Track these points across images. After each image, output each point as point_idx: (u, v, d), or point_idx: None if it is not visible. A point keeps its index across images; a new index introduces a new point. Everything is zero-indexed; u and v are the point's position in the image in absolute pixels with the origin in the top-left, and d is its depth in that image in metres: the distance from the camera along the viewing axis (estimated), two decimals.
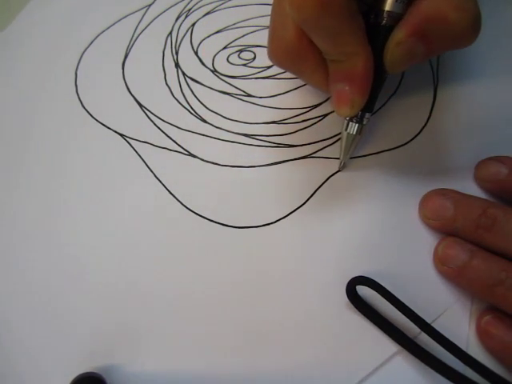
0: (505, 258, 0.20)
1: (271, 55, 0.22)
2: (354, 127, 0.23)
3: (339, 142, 0.25)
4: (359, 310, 0.21)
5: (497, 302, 0.20)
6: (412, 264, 0.22)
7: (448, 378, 0.19)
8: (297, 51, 0.21)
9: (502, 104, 0.26)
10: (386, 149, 0.25)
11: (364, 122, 0.23)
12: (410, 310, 0.20)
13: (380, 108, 0.27)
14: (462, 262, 0.21)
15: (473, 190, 0.23)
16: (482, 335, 0.20)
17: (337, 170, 0.25)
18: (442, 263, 0.22)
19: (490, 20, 0.30)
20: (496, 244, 0.20)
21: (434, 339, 0.20)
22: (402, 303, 0.20)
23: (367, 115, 0.23)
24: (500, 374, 0.19)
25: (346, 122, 0.23)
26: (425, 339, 0.20)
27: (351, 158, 0.25)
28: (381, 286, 0.21)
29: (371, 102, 0.22)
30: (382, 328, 0.21)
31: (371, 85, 0.21)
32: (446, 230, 0.22)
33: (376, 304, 0.21)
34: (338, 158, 0.25)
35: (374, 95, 0.22)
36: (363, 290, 0.21)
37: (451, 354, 0.19)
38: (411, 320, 0.20)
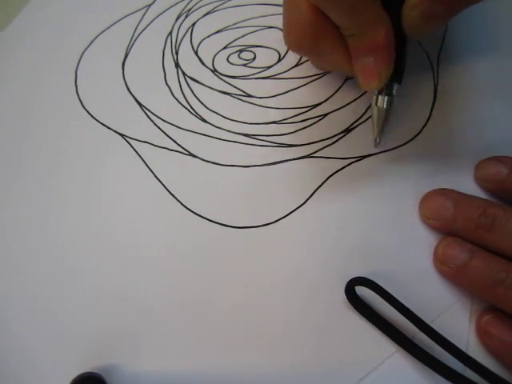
0: (505, 258, 0.20)
1: (288, 39, 0.22)
2: (384, 100, 0.23)
3: (370, 119, 0.25)
4: (358, 311, 0.21)
5: (497, 301, 0.20)
6: (412, 264, 0.22)
7: (446, 377, 0.19)
8: (314, 31, 0.21)
9: (503, 104, 0.26)
10: (386, 149, 0.25)
11: (394, 94, 0.23)
12: (409, 310, 0.20)
13: None
14: (462, 262, 0.21)
15: (473, 189, 0.23)
16: (482, 335, 0.20)
17: (339, 168, 0.25)
18: (441, 263, 0.21)
19: (489, 21, 0.30)
20: (496, 244, 0.20)
21: (432, 339, 0.20)
22: (401, 304, 0.20)
23: (396, 86, 0.22)
24: (499, 374, 0.19)
25: (374, 96, 0.23)
26: (423, 339, 0.20)
27: (352, 162, 0.25)
28: (380, 286, 0.21)
29: (399, 72, 0.22)
30: (381, 328, 0.21)
31: (395, 54, 0.20)
32: (446, 230, 0.22)
33: (375, 304, 0.21)
34: (338, 158, 0.25)
35: (401, 64, 0.22)
36: (363, 290, 0.21)
37: (450, 354, 0.19)
38: (410, 320, 0.20)
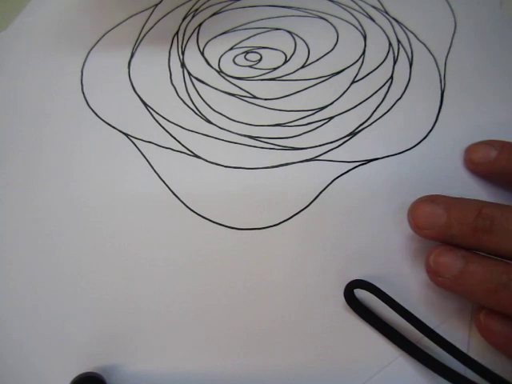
0: (503, 260, 0.19)
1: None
2: None
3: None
4: (357, 313, 0.21)
5: (503, 307, 0.19)
6: (413, 267, 0.22)
7: (450, 380, 0.19)
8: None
9: (510, 108, 0.26)
10: (392, 153, 0.25)
11: None
12: (409, 312, 0.20)
13: (386, 112, 0.27)
14: (457, 270, 0.19)
15: (479, 194, 0.23)
16: (483, 331, 0.20)
17: (344, 171, 0.25)
18: (436, 275, 0.20)
19: (497, 25, 0.30)
20: (498, 245, 0.19)
21: (434, 342, 0.19)
22: (401, 306, 0.20)
23: None
24: (502, 376, 0.18)
25: None
26: (424, 341, 0.20)
27: (356, 166, 0.25)
28: (378, 288, 0.21)
29: None
30: (379, 330, 0.21)
31: None
32: (441, 239, 0.21)
33: (376, 307, 0.21)
34: (343, 162, 0.25)
35: None
36: (364, 294, 0.21)
37: (452, 357, 0.19)
38: (410, 323, 0.20)
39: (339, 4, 0.32)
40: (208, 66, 0.30)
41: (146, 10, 0.33)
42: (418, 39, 0.30)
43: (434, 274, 0.20)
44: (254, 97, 0.28)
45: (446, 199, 0.21)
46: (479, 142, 0.24)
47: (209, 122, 0.27)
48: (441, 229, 0.20)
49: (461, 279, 0.19)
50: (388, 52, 0.29)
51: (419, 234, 0.21)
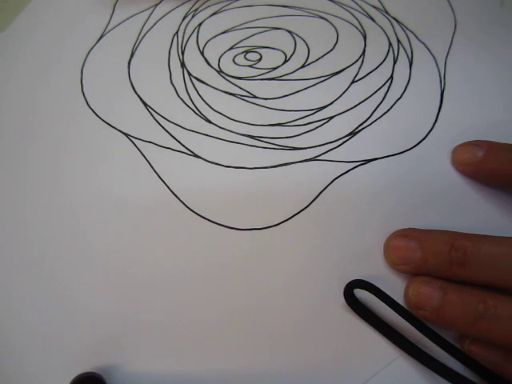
0: (479, 288, 0.20)
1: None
2: None
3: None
4: (357, 313, 0.21)
5: (483, 336, 0.19)
6: None
7: (450, 380, 0.19)
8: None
9: (511, 109, 0.26)
10: (391, 154, 0.25)
11: None
12: (407, 311, 0.20)
13: (386, 112, 0.27)
14: (436, 303, 0.20)
15: (479, 191, 0.23)
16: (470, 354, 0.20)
17: (344, 171, 0.25)
18: (417, 308, 0.20)
19: (498, 24, 0.30)
20: (472, 277, 0.20)
21: (434, 342, 0.19)
22: (400, 305, 0.20)
23: None
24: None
25: None
26: (424, 341, 0.20)
27: (356, 166, 0.25)
28: (378, 289, 0.21)
29: None
30: (379, 330, 0.21)
31: None
32: (418, 273, 0.21)
33: (377, 308, 0.21)
34: (342, 162, 0.25)
35: None
36: (364, 294, 0.21)
37: (452, 357, 0.19)
38: (410, 322, 0.20)
39: (339, 4, 0.32)
40: (208, 66, 0.30)
41: (146, 10, 0.33)
42: (418, 39, 0.30)
43: (415, 307, 0.21)
44: (254, 96, 0.28)
45: (417, 233, 0.22)
46: (465, 142, 0.24)
47: (209, 121, 0.27)
48: (417, 264, 0.21)
49: (441, 312, 0.20)
50: (388, 52, 0.29)
51: (397, 270, 0.22)
